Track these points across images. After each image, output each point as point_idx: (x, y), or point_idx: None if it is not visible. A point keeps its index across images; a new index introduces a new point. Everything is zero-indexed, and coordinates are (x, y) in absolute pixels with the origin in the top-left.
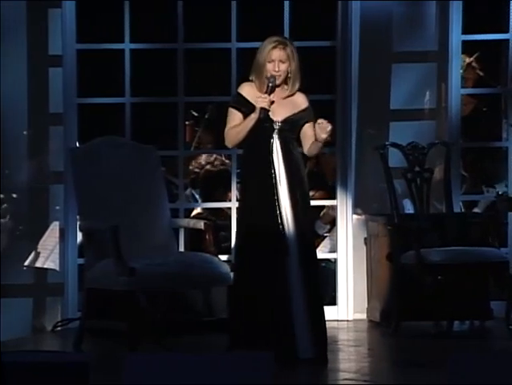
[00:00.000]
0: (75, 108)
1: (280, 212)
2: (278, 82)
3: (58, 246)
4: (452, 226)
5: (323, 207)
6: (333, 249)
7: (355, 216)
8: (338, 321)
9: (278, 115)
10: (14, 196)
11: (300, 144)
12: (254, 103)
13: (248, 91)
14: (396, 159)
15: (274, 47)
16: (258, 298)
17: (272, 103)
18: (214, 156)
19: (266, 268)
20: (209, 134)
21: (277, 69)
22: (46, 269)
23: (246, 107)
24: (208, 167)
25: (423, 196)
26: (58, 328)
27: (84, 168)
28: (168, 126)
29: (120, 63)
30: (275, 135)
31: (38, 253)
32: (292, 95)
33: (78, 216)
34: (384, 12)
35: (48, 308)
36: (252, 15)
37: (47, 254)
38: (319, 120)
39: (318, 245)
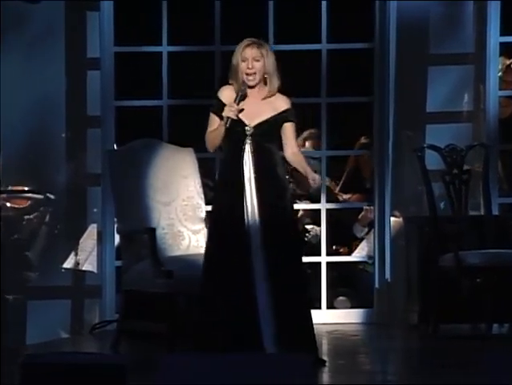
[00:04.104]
0: (112, 111)
1: (247, 217)
2: (252, 83)
3: (95, 248)
4: (490, 228)
5: (360, 209)
6: (370, 252)
7: (392, 219)
8: (375, 324)
9: (252, 119)
10: (52, 197)
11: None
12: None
13: (226, 95)
14: (433, 161)
15: (247, 46)
16: (222, 299)
17: (241, 111)
18: None
19: (230, 270)
20: None
21: (250, 66)
22: (84, 271)
23: (223, 111)
24: None
25: (461, 199)
26: (96, 330)
27: (122, 171)
28: (205, 128)
29: (158, 66)
30: (247, 141)
31: (76, 255)
32: (272, 96)
33: (115, 219)
34: (422, 14)
35: (86, 310)
36: (289, 17)
37: (85, 256)
38: (312, 177)
39: (355, 248)
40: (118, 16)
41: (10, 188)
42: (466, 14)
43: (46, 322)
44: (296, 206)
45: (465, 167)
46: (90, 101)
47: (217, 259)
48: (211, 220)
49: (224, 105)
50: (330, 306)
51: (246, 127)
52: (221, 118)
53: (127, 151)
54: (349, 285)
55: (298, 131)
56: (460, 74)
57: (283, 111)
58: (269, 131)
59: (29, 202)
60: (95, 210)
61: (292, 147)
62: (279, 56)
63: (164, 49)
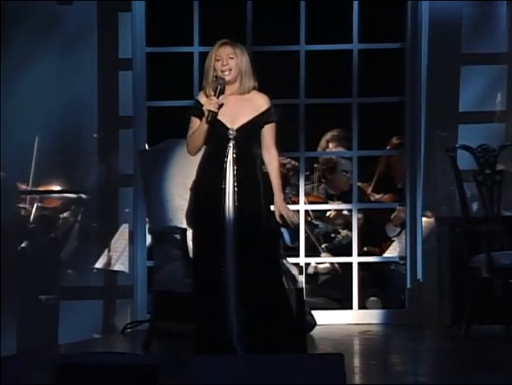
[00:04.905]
0: (144, 111)
1: (225, 221)
2: (228, 78)
3: (127, 248)
4: None
5: (392, 210)
6: (402, 252)
7: (424, 219)
8: (407, 324)
9: (235, 121)
10: (84, 197)
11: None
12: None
13: (205, 97)
14: (466, 161)
15: (221, 45)
16: (202, 300)
17: (221, 106)
18: (288, 158)
19: (210, 271)
20: (277, 136)
21: (225, 63)
22: (116, 271)
23: (204, 114)
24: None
25: (493, 199)
26: (128, 330)
27: (153, 171)
28: None
29: (189, 66)
30: (231, 145)
31: (108, 255)
32: (246, 93)
33: (147, 219)
34: (454, 13)
35: (118, 310)
36: (321, 17)
37: (117, 256)
38: (290, 216)
39: (387, 248)
40: (150, 16)
41: (42, 188)
42: (499, 14)
43: (78, 322)
44: (327, 206)
45: (498, 167)
46: (122, 101)
47: (199, 260)
48: (191, 221)
49: (202, 107)
50: (361, 307)
51: (229, 131)
52: (201, 119)
53: (158, 152)
54: (381, 285)
55: (323, 132)
56: (492, 73)
57: (263, 112)
58: (251, 135)
59: (60, 202)
60: (126, 210)
61: (270, 149)
62: (311, 57)
63: (196, 49)
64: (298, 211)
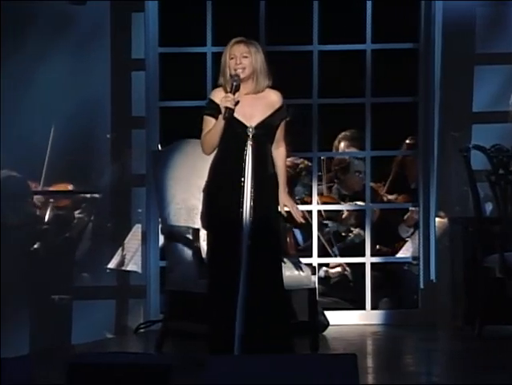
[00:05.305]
0: (157, 111)
1: (242, 219)
2: (242, 76)
3: (140, 248)
4: None
5: (405, 210)
6: (415, 253)
7: (437, 219)
8: (420, 324)
9: (252, 119)
10: (97, 197)
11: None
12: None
13: (219, 95)
14: (479, 161)
15: (235, 43)
16: (216, 299)
17: (237, 103)
18: (301, 159)
19: (225, 271)
20: (290, 136)
21: (238, 62)
22: (129, 271)
23: (219, 112)
24: (289, 170)
25: (507, 199)
26: (141, 330)
27: (166, 171)
28: None
29: (202, 66)
30: (249, 143)
31: (121, 255)
32: (261, 91)
33: (159, 219)
34: (467, 13)
35: (131, 310)
36: (334, 17)
37: (130, 256)
38: (294, 211)
39: (400, 249)
40: (163, 17)
41: (55, 188)
42: None
43: (91, 322)
44: (341, 207)
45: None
46: (135, 102)
47: (215, 261)
48: (207, 221)
49: (217, 105)
50: (374, 307)
51: (248, 128)
52: (217, 118)
53: (171, 152)
54: (393, 285)
55: (336, 132)
56: (506, 73)
57: (277, 109)
58: (268, 132)
59: (74, 202)
60: (139, 210)
61: (279, 144)
62: (324, 57)
63: (209, 49)
64: (310, 211)
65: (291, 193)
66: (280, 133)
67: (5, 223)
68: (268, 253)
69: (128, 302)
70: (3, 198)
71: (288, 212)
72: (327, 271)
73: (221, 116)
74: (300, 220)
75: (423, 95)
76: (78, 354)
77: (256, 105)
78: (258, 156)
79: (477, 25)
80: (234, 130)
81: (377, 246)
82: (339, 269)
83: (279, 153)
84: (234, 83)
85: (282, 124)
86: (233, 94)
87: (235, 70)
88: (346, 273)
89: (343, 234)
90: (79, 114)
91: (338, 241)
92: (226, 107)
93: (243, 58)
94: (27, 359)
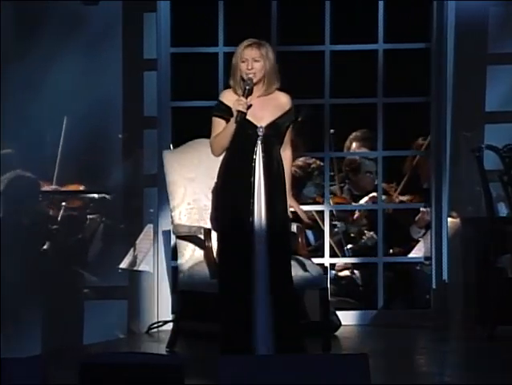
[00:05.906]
0: (169, 111)
1: (254, 219)
2: (254, 80)
3: (152, 249)
4: None
5: (418, 211)
6: (427, 253)
7: (450, 219)
8: (432, 325)
9: (262, 119)
10: (109, 198)
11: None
12: (232, 107)
13: (229, 97)
14: (491, 161)
15: (247, 46)
16: (229, 300)
17: (249, 106)
18: (313, 158)
19: (237, 271)
20: (302, 136)
21: (250, 67)
22: (141, 271)
23: (229, 114)
24: (300, 170)
25: None
26: (153, 330)
27: (178, 171)
28: None
29: (214, 66)
30: (259, 143)
31: (133, 255)
32: (271, 93)
33: (171, 219)
34: (480, 13)
35: (142, 310)
36: (346, 17)
37: (142, 257)
38: (299, 212)
39: (412, 249)
40: (175, 17)
41: (66, 188)
42: None
43: (102, 323)
44: (352, 207)
45: None
46: (146, 102)
47: (227, 261)
48: (217, 221)
49: (228, 107)
50: (386, 307)
51: (258, 128)
52: (227, 120)
53: (183, 152)
54: (406, 286)
55: (348, 132)
56: None
57: (287, 112)
58: (277, 132)
59: (85, 203)
60: (151, 210)
61: (286, 146)
62: (336, 57)
63: (221, 49)
64: (322, 211)
65: (300, 194)
66: (288, 136)
67: (17, 223)
68: (279, 253)
69: (140, 302)
70: (16, 199)
71: (295, 213)
72: (340, 267)
73: (232, 119)
74: (307, 220)
75: (435, 95)
76: (90, 355)
77: (266, 106)
78: (267, 156)
79: (489, 24)
80: (245, 130)
81: (389, 247)
82: (347, 272)
83: (286, 156)
84: (247, 87)
85: (290, 127)
86: (246, 98)
87: (247, 74)
88: (360, 267)
89: (354, 235)
90: (90, 114)
91: (350, 241)
92: (239, 111)
93: (255, 62)
94: (39, 359)
